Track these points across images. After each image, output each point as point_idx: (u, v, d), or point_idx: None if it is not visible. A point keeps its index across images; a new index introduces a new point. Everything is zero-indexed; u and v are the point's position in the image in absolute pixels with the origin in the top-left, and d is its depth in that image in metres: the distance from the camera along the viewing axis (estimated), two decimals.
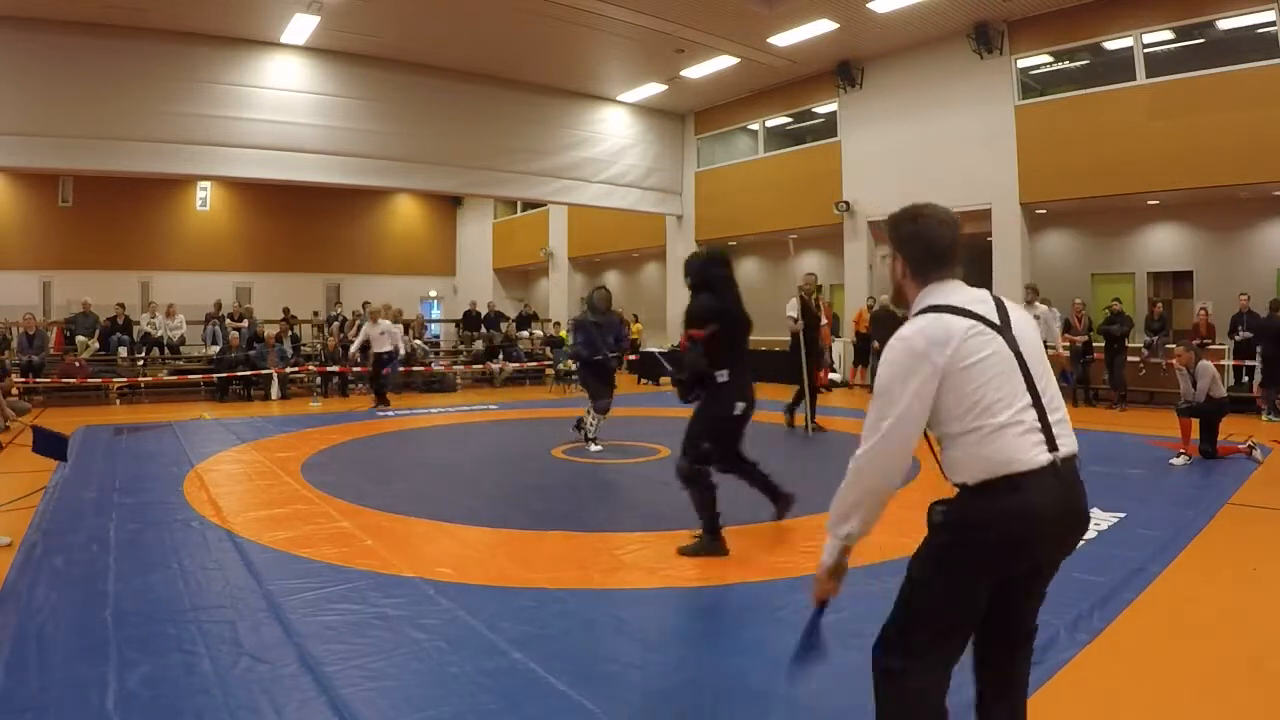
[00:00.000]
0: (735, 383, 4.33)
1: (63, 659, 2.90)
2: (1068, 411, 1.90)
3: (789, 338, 9.22)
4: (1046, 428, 1.80)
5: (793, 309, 8.81)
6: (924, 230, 1.95)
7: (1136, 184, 11.81)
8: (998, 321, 1.85)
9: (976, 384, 1.78)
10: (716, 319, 4.28)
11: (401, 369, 13.06)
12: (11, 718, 2.47)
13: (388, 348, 11.91)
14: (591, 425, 7.59)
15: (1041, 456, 1.77)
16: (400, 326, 12.84)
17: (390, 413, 11.18)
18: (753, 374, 4.50)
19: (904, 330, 1.87)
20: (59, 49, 11.65)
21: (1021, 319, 1.91)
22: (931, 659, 1.86)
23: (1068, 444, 1.82)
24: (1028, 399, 1.80)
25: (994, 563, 1.82)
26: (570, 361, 7.86)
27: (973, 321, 1.82)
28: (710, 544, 4.26)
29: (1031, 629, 2.04)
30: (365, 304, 16.67)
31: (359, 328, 15.47)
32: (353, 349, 12.80)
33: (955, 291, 1.91)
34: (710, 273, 4.48)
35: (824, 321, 9.09)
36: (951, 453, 1.86)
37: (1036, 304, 10.78)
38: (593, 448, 7.49)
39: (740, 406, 4.34)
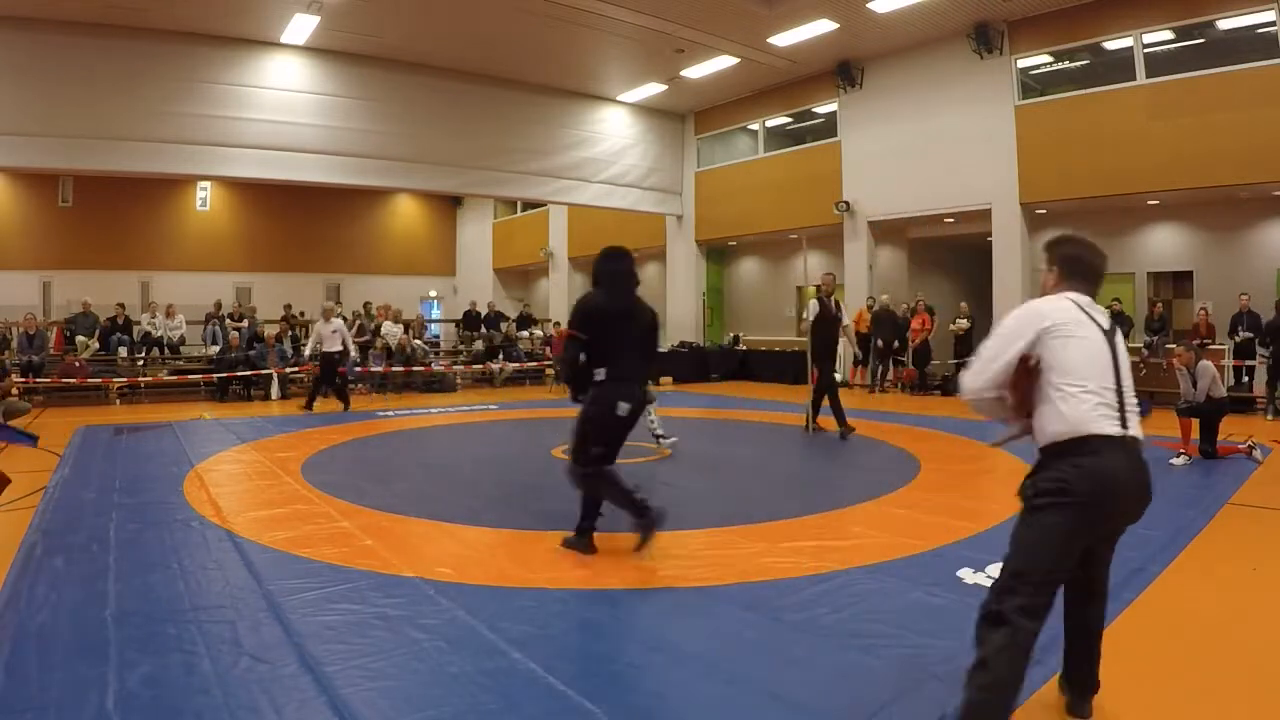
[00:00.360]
0: (615, 382, 4.18)
1: (63, 659, 2.90)
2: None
3: (804, 337, 9.09)
4: (1122, 411, 2.26)
5: (811, 310, 8.70)
6: (1081, 254, 2.51)
7: (1136, 184, 11.81)
8: (1107, 327, 2.38)
9: (1072, 354, 2.26)
10: (589, 317, 4.19)
11: (352, 369, 12.71)
12: (11, 718, 2.47)
13: (338, 347, 11.37)
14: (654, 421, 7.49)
15: (1114, 429, 2.22)
16: (342, 322, 12.03)
17: (390, 413, 11.18)
18: (644, 373, 4.37)
19: (1034, 300, 2.41)
20: (59, 49, 11.66)
21: (1120, 338, 2.42)
22: (1032, 607, 2.20)
23: (1136, 430, 2.27)
24: (1113, 385, 2.27)
25: (1085, 518, 2.20)
26: None
27: (1084, 314, 2.35)
28: (580, 541, 4.26)
29: (1105, 589, 2.53)
30: (366, 303, 16.74)
31: (359, 327, 15.49)
32: (308, 349, 12.21)
33: (1083, 299, 2.42)
34: (601, 268, 4.37)
35: (845, 321, 8.99)
36: (1042, 409, 2.29)
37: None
38: (664, 441, 7.49)
39: (624, 408, 4.14)
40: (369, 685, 2.69)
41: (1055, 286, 2.48)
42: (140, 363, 13.86)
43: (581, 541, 4.29)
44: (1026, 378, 2.31)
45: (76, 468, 6.88)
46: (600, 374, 4.19)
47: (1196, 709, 2.60)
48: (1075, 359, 2.25)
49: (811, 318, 8.64)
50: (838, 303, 8.87)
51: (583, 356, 4.19)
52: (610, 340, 4.18)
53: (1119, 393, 2.27)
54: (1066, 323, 2.29)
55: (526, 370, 16.58)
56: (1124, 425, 2.23)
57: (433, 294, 25.86)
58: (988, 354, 2.35)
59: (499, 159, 15.81)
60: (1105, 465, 2.17)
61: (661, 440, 7.46)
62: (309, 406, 11.46)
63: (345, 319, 15.78)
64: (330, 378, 11.53)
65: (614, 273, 4.35)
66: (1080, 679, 2.52)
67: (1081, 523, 2.20)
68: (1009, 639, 2.15)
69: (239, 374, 13.25)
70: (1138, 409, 2.29)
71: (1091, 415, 2.20)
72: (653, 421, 7.44)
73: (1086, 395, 2.22)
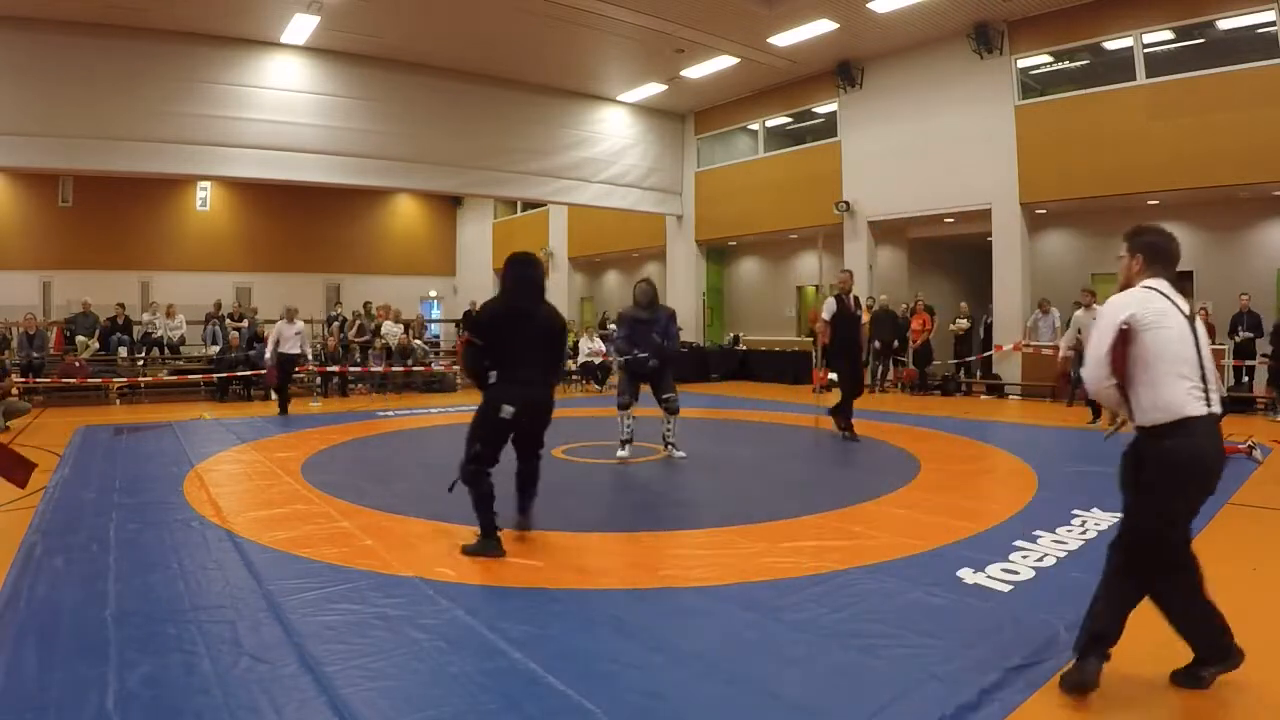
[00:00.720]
0: (505, 384, 4.23)
1: (63, 659, 2.90)
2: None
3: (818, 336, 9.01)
4: (1206, 391, 2.55)
5: (828, 309, 8.55)
6: (1160, 240, 2.75)
7: (1136, 184, 11.81)
8: (1188, 314, 2.64)
9: (1164, 343, 2.54)
10: (485, 322, 4.31)
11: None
12: (11, 718, 2.47)
13: (296, 350, 10.99)
14: (624, 427, 7.21)
15: (1202, 409, 2.52)
16: (304, 325, 11.45)
17: (390, 413, 11.18)
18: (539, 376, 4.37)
19: (1129, 292, 2.67)
20: (59, 49, 11.66)
21: (1200, 323, 2.68)
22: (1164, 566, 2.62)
23: (1218, 407, 2.56)
24: (1199, 370, 2.56)
25: (1191, 491, 2.55)
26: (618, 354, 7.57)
27: (1168, 303, 2.62)
28: (485, 545, 4.20)
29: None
30: (366, 303, 16.72)
31: (359, 327, 15.48)
32: (269, 352, 11.27)
33: (1164, 285, 2.68)
34: (507, 273, 4.48)
35: (864, 319, 8.89)
36: (1141, 393, 2.56)
37: (1052, 309, 10.64)
38: (618, 452, 7.19)
39: (508, 410, 4.17)
40: (369, 685, 2.69)
41: (1140, 273, 2.73)
42: (140, 363, 13.86)
43: (489, 544, 4.20)
44: (1124, 365, 2.58)
45: (76, 468, 6.88)
46: (493, 376, 4.28)
47: (1196, 708, 2.60)
48: (1165, 347, 2.53)
49: (829, 316, 8.47)
50: (856, 299, 8.73)
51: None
52: (505, 344, 4.27)
53: (1203, 374, 2.56)
54: (1152, 313, 2.56)
55: None
56: (1209, 404, 2.54)
57: (433, 294, 25.86)
58: (1093, 351, 2.63)
59: (499, 159, 15.81)
60: (1199, 445, 2.50)
61: (673, 450, 7.22)
62: (283, 411, 11.00)
63: (345, 319, 15.83)
64: (287, 379, 11.19)
65: (519, 278, 4.44)
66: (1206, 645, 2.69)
67: (1185, 496, 2.55)
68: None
69: (239, 374, 13.25)
70: (1217, 393, 2.59)
71: (1185, 399, 2.51)
72: (669, 430, 7.23)
73: (1179, 380, 2.52)
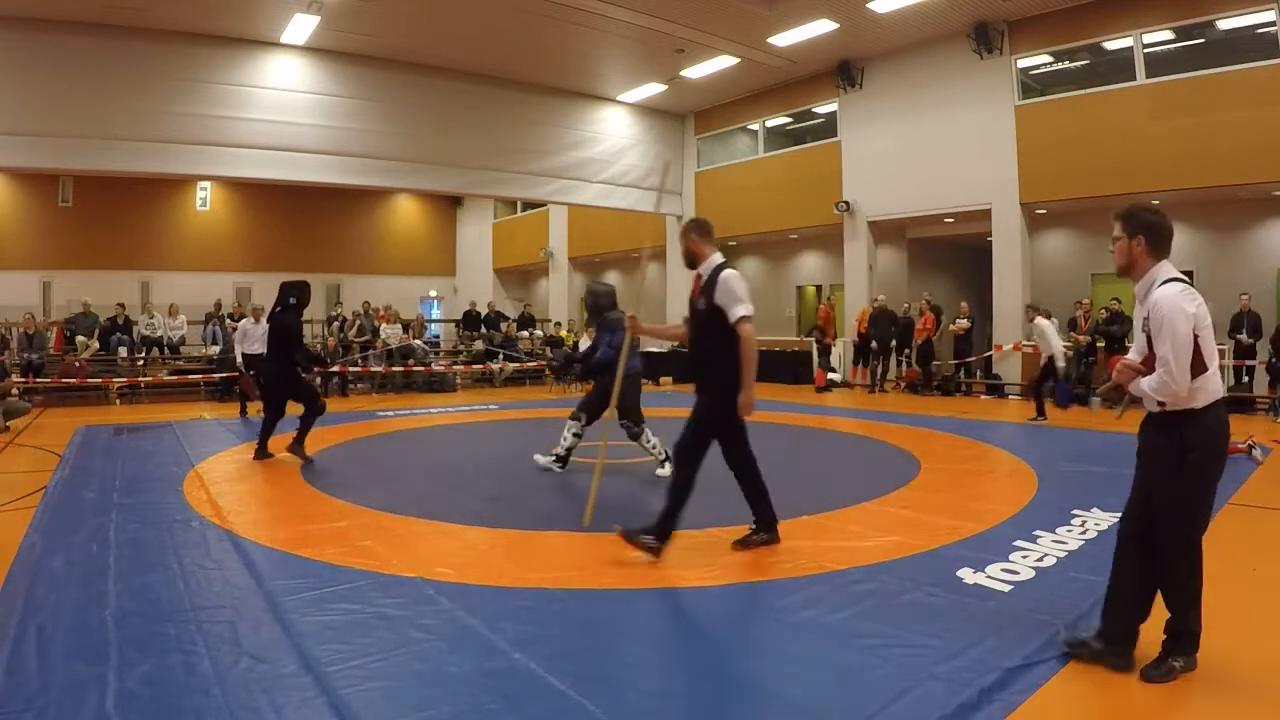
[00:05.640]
0: None
1: (63, 659, 2.90)
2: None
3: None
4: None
5: None
6: (1159, 219, 2.74)
7: (1136, 184, 11.79)
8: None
9: (1209, 342, 2.67)
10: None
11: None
12: (11, 718, 2.47)
13: (259, 349, 9.91)
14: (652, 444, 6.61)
15: (1223, 390, 2.80)
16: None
17: (390, 413, 11.18)
18: None
19: (1170, 291, 2.68)
20: (59, 49, 11.65)
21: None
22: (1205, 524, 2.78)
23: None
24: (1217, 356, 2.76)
25: (1220, 459, 2.75)
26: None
27: (1200, 297, 2.71)
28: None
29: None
30: (366, 303, 16.73)
31: (359, 327, 15.49)
32: (238, 352, 10.65)
33: (1175, 271, 2.76)
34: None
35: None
36: (1198, 381, 2.65)
37: (1038, 319, 10.03)
38: (540, 459, 6.75)
39: None
40: (369, 685, 2.69)
41: (1145, 255, 2.75)
42: (140, 363, 13.86)
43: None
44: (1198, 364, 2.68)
45: (76, 468, 6.88)
46: None
47: (1197, 709, 2.60)
48: (1211, 345, 2.68)
49: None
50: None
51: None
52: None
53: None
54: (1203, 311, 2.68)
55: (526, 370, 16.58)
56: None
57: (433, 294, 25.87)
58: (1177, 360, 2.60)
59: (499, 159, 15.80)
60: (1224, 418, 2.72)
61: (660, 462, 6.68)
62: (244, 413, 10.68)
63: (345, 319, 15.83)
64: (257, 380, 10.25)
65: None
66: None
67: (1218, 465, 2.72)
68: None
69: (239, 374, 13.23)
70: None
71: (1220, 387, 2.75)
72: (650, 444, 6.68)
73: (1216, 373, 2.72)
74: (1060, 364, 9.96)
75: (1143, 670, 2.71)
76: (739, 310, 3.99)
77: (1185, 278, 2.73)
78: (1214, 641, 2.95)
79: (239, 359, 10.71)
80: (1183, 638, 2.73)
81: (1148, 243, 2.73)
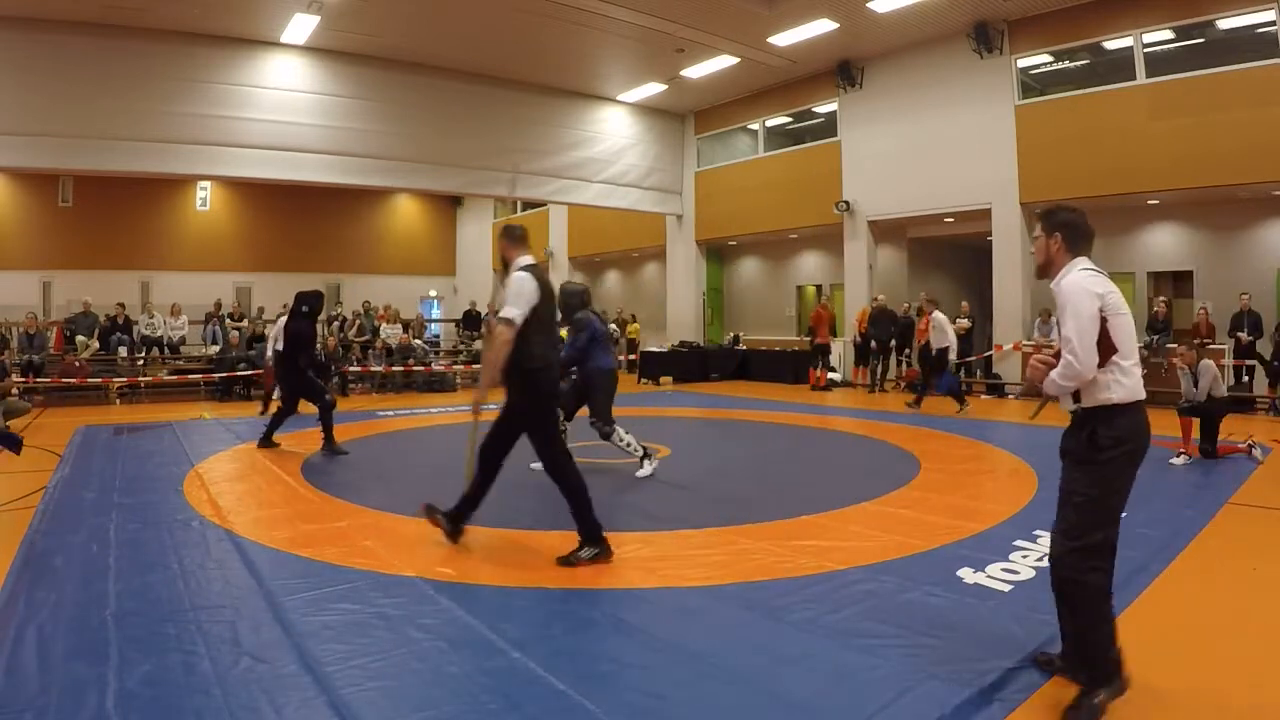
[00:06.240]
0: None
1: (63, 659, 2.90)
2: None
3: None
4: (1141, 374, 2.64)
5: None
6: (1077, 218, 2.71)
7: (1136, 184, 11.81)
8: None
9: (1124, 331, 2.57)
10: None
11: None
12: (11, 718, 2.47)
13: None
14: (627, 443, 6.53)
15: (1143, 392, 2.61)
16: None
17: (390, 412, 11.17)
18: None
19: (1076, 274, 2.61)
20: (59, 49, 11.66)
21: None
22: (1105, 552, 2.64)
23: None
24: (1138, 354, 2.64)
25: (1136, 462, 2.59)
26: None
27: (1114, 286, 2.63)
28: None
29: None
30: (366, 303, 16.73)
31: (359, 327, 15.49)
32: (269, 351, 9.83)
33: (1095, 265, 2.68)
34: None
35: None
36: (1105, 375, 2.56)
37: (935, 313, 10.99)
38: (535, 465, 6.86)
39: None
40: (369, 685, 2.69)
41: (1062, 252, 2.69)
42: (140, 363, 13.86)
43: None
44: (1107, 351, 2.57)
45: (76, 468, 6.88)
46: None
47: (1196, 709, 2.59)
48: (1127, 335, 2.57)
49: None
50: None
51: None
52: None
53: (1140, 361, 2.67)
54: (1115, 297, 2.58)
55: None
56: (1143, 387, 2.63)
57: (433, 294, 25.87)
58: (1080, 338, 2.51)
59: (499, 159, 15.80)
60: (1144, 421, 2.60)
61: (640, 461, 6.58)
62: (265, 411, 10.56)
63: (345, 319, 15.83)
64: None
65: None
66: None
67: (1134, 468, 2.59)
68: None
69: (239, 374, 13.24)
70: None
71: (1139, 385, 2.59)
72: (623, 443, 6.52)
73: (1135, 368, 2.59)
74: (953, 356, 11.01)
75: (1063, 714, 2.48)
76: (506, 310, 4.06)
77: (1099, 269, 2.67)
78: (1215, 642, 2.96)
79: (269, 356, 10.69)
80: (1098, 665, 2.55)
81: (1064, 240, 2.68)
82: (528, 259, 4.29)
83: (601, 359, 6.44)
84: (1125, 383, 2.56)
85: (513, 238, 4.40)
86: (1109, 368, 2.54)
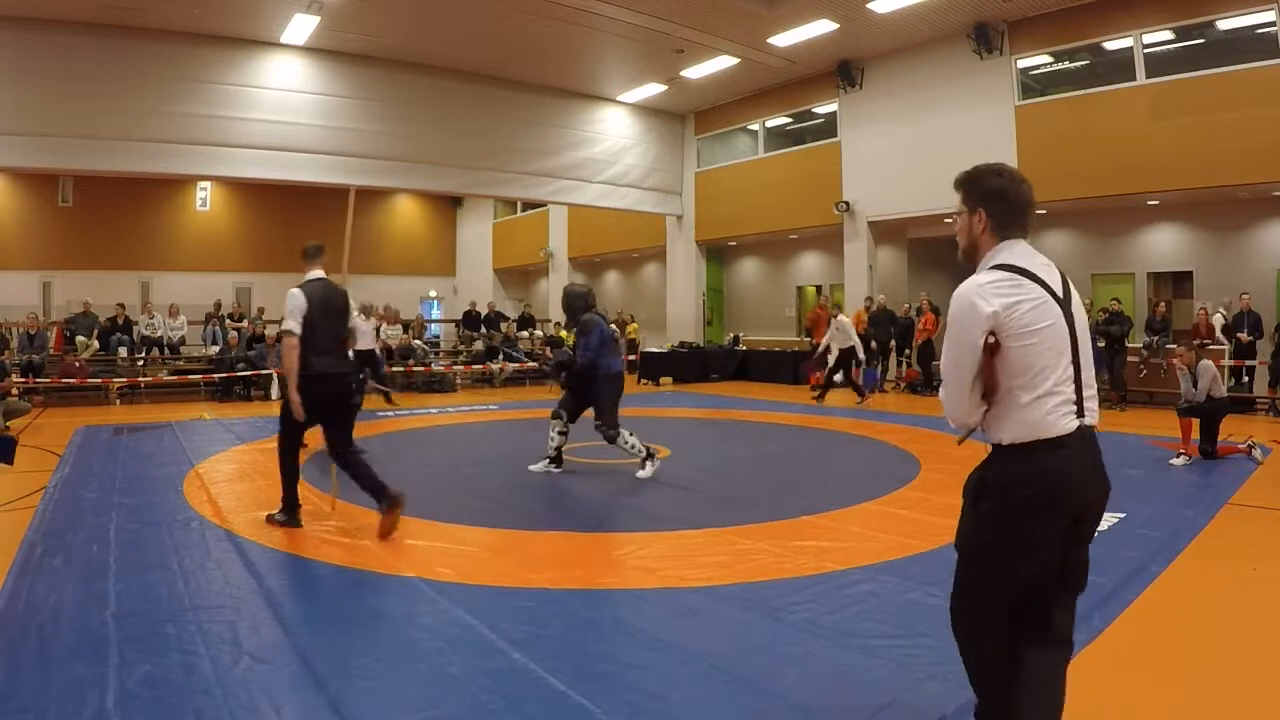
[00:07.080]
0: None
1: (63, 659, 2.90)
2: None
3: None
4: (1080, 399, 1.97)
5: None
6: (1008, 186, 2.05)
7: (1136, 184, 11.80)
8: (1061, 295, 2.00)
9: (1034, 352, 1.92)
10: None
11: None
12: (11, 717, 2.47)
13: (369, 345, 10.90)
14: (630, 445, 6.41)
15: (1072, 424, 1.94)
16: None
17: (390, 413, 11.17)
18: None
19: (974, 279, 1.99)
20: (59, 49, 11.65)
21: (1077, 296, 2.08)
22: (998, 619, 2.06)
23: (1093, 416, 2.01)
24: (1071, 372, 1.96)
25: (1038, 516, 1.95)
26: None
27: (1042, 291, 1.95)
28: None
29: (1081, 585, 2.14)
30: (366, 303, 16.70)
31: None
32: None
33: (1026, 255, 2.02)
34: None
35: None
36: (997, 409, 1.98)
37: (840, 317, 12.24)
38: (534, 467, 6.65)
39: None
40: (369, 685, 2.69)
41: (985, 235, 2.06)
42: (140, 363, 13.86)
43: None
44: (993, 382, 1.96)
45: (76, 468, 6.88)
46: None
47: (1196, 709, 2.59)
48: (1034, 357, 1.92)
49: None
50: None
51: None
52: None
53: (1078, 381, 1.96)
54: (1021, 315, 1.91)
55: (526, 370, 16.57)
56: (1080, 414, 1.96)
57: (433, 294, 25.86)
58: (950, 372, 1.99)
59: (499, 159, 15.81)
60: (1066, 461, 1.93)
61: (641, 462, 6.48)
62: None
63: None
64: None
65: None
66: None
67: (1039, 520, 1.95)
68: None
69: (239, 374, 13.24)
70: (1094, 389, 2.04)
71: (1051, 418, 1.92)
72: (628, 445, 6.43)
73: (1046, 397, 1.92)
74: (861, 356, 12.22)
75: None
76: (284, 323, 4.61)
77: (1022, 266, 1.98)
78: (1215, 642, 2.96)
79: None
80: None
81: (990, 217, 2.04)
82: (315, 274, 4.86)
83: (609, 361, 6.40)
84: (1025, 418, 1.92)
85: (304, 255, 5.06)
86: (1004, 400, 1.95)
